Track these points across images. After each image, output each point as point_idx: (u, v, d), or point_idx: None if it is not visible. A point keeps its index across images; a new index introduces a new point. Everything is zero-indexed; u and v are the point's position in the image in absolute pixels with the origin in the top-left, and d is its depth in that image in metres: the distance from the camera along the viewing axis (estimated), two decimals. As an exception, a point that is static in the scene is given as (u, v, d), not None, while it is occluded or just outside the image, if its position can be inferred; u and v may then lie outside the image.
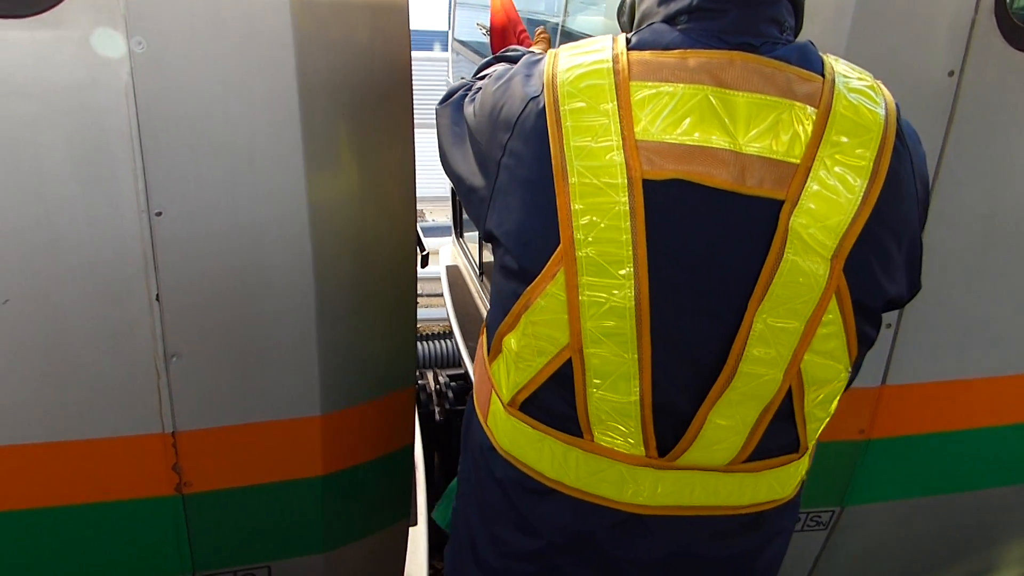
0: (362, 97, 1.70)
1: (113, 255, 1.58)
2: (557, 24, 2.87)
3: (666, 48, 1.19)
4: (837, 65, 1.22)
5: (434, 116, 1.52)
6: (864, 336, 1.24)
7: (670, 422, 1.25)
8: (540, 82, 1.23)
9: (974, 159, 1.79)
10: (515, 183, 1.22)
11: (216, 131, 1.56)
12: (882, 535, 2.22)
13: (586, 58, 1.22)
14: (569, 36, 2.79)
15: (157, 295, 1.62)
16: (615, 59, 1.19)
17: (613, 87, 1.16)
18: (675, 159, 1.13)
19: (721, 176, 1.13)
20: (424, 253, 2.36)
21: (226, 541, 1.88)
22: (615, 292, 1.16)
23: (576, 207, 1.15)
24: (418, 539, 2.58)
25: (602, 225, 1.14)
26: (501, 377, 1.36)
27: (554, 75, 1.21)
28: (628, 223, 1.13)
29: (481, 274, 5.04)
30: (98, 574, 1.85)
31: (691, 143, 1.14)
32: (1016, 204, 1.88)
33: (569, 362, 1.23)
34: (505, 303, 1.29)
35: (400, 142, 1.79)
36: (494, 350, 1.37)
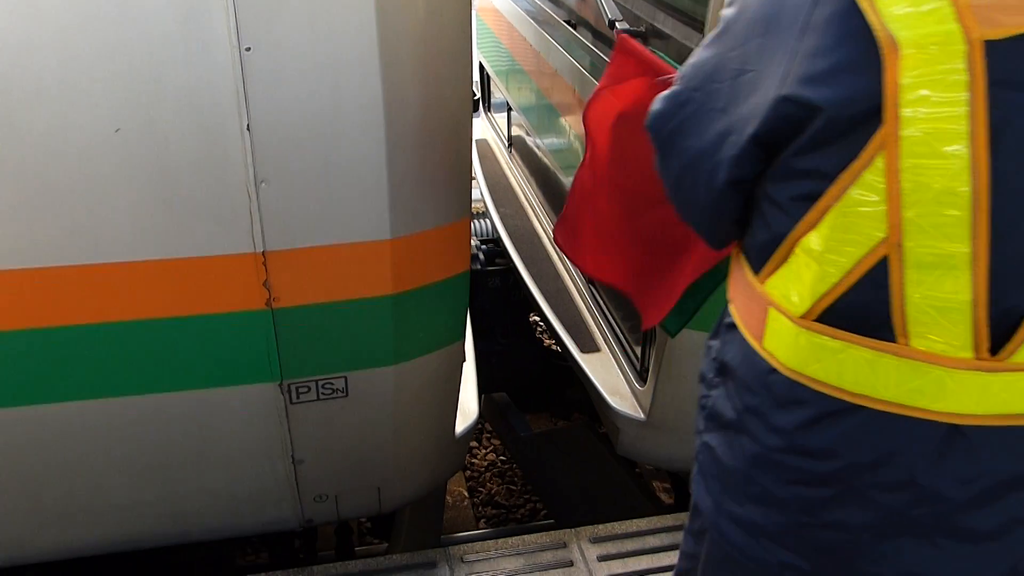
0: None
1: (208, 89, 1.78)
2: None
3: None
4: None
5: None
6: None
7: (1006, 319, 1.11)
8: None
9: None
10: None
11: (297, -29, 1.72)
12: None
13: None
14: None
15: (248, 125, 1.82)
16: None
17: None
18: (1016, 10, 0.99)
19: None
20: (476, 98, 2.53)
21: (309, 352, 2.14)
22: (945, 173, 1.03)
23: (905, 81, 1.02)
24: (468, 372, 2.85)
25: (934, 99, 1.01)
26: (790, 288, 1.24)
27: None
28: (965, 94, 1.00)
29: (510, 146, 5.17)
30: (199, 380, 2.13)
31: None
32: None
33: (884, 260, 1.11)
34: (797, 204, 1.18)
35: None
36: (776, 260, 1.26)
